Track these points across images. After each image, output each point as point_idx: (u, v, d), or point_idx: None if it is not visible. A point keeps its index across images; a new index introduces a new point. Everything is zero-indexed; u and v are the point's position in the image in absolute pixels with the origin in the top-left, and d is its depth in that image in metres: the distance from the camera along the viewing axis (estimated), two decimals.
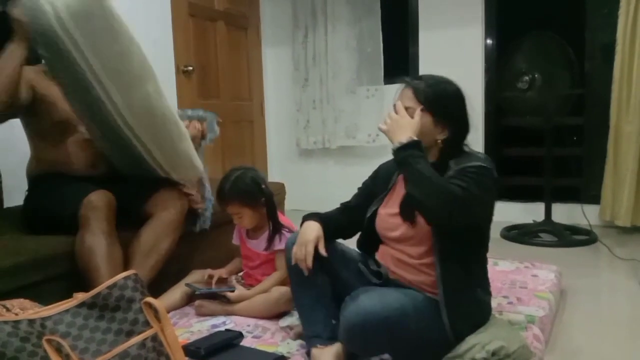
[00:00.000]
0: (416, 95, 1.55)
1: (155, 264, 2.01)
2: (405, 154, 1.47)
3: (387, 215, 1.66)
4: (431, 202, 1.42)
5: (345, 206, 1.82)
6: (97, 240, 1.83)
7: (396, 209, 1.62)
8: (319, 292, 1.66)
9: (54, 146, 2.08)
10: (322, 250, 1.58)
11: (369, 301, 1.44)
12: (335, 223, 1.71)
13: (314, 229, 1.61)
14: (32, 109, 2.03)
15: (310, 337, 1.63)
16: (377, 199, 1.73)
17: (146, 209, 2.08)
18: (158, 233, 2.04)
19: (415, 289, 1.58)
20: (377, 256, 1.73)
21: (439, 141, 1.57)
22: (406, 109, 1.54)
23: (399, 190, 1.66)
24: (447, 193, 1.41)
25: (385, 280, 1.65)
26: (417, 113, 1.53)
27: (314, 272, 1.60)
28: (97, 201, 1.86)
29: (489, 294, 1.65)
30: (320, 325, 1.62)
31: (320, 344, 1.58)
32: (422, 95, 1.54)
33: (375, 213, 1.71)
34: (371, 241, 1.74)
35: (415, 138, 1.48)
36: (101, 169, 2.17)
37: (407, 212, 1.57)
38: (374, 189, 1.77)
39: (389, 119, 1.53)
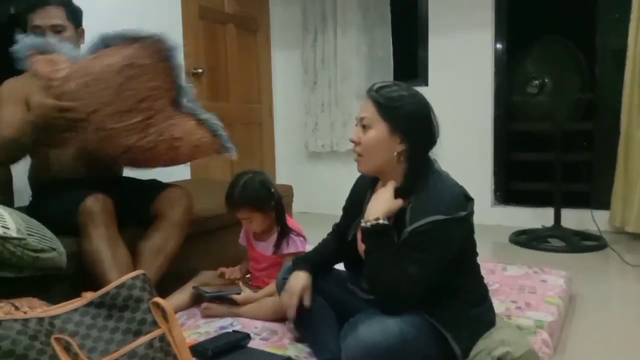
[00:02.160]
0: (373, 104, 1.49)
1: (162, 265, 2.02)
2: (370, 241, 1.47)
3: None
4: (380, 289, 1.46)
5: (335, 229, 1.82)
6: (98, 247, 1.84)
7: None
8: (319, 314, 1.66)
9: (51, 149, 2.08)
10: (307, 302, 1.62)
11: (368, 332, 1.40)
12: (327, 258, 1.76)
13: (300, 280, 1.64)
14: None
15: None
16: (354, 223, 1.67)
17: (153, 208, 2.09)
18: (165, 234, 2.05)
19: None
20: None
21: (396, 154, 1.48)
22: (362, 119, 1.50)
23: None
24: (393, 289, 1.42)
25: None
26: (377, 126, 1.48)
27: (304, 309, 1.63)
28: (93, 207, 1.86)
29: (485, 301, 1.61)
30: (332, 345, 1.60)
31: None
32: (377, 103, 1.48)
33: (355, 237, 1.66)
34: (357, 263, 1.66)
35: (383, 220, 1.45)
36: (108, 169, 2.17)
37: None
38: (352, 209, 1.72)
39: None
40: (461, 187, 1.51)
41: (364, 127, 1.50)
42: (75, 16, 2.16)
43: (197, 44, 3.71)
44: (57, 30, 2.08)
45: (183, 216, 2.10)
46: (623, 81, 3.39)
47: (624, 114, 3.40)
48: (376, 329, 1.41)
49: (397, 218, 1.49)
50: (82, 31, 2.22)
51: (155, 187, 2.15)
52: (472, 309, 1.54)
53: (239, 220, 2.07)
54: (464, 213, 1.44)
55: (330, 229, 1.86)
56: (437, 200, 1.44)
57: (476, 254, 1.61)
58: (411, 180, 1.49)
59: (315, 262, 1.72)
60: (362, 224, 1.49)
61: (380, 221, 1.45)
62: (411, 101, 1.48)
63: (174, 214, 2.08)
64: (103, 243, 1.85)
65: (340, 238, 1.75)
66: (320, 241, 1.84)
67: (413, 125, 1.48)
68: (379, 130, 1.48)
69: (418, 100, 1.50)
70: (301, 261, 1.72)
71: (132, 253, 1.96)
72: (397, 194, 1.49)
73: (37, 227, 1.67)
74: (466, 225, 1.49)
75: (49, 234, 1.70)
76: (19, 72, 2.09)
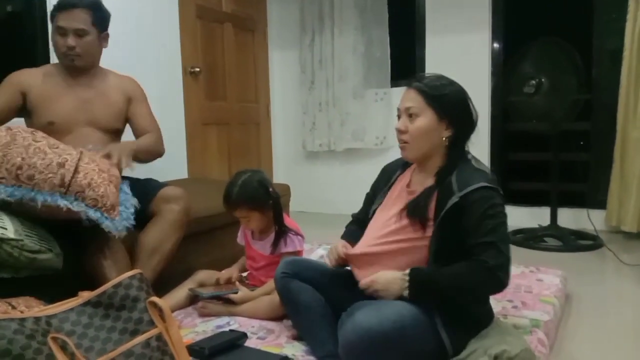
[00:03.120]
0: (419, 94, 1.55)
1: (158, 264, 2.02)
2: (420, 290, 1.47)
3: (384, 216, 1.66)
4: (473, 299, 1.52)
5: (355, 217, 1.87)
6: (99, 249, 1.84)
7: (394, 211, 1.62)
8: (317, 312, 1.67)
9: None
10: (348, 250, 1.66)
11: (365, 317, 1.42)
12: (355, 233, 1.78)
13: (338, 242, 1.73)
14: (25, 111, 2.16)
15: (322, 358, 1.61)
16: (377, 198, 1.74)
17: (151, 207, 2.09)
18: (162, 233, 2.05)
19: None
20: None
21: (445, 139, 1.56)
22: (409, 108, 1.56)
23: (399, 193, 1.67)
24: (484, 283, 1.44)
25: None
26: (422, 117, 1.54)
27: (309, 293, 1.67)
28: None
29: (487, 304, 1.64)
30: (329, 344, 1.60)
31: None
32: (424, 93, 1.55)
33: (374, 213, 1.72)
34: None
35: (405, 275, 1.48)
36: None
37: (416, 212, 1.56)
38: (377, 189, 1.78)
39: (374, 286, 1.53)
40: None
41: (411, 116, 1.56)
42: (101, 21, 2.22)
43: (195, 43, 3.71)
44: (79, 34, 2.14)
45: (180, 216, 2.10)
46: (619, 81, 3.40)
47: (620, 114, 3.41)
48: (373, 315, 1.43)
49: (441, 189, 1.52)
50: (107, 35, 2.27)
51: (153, 187, 2.15)
52: (474, 306, 1.56)
53: (237, 219, 2.07)
54: (501, 192, 1.50)
55: (327, 228, 1.87)
56: (481, 174, 1.51)
57: None
58: (453, 163, 1.55)
59: (347, 235, 1.80)
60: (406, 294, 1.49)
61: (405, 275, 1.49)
62: (453, 89, 1.58)
63: (171, 213, 2.08)
64: (103, 247, 1.85)
65: (360, 225, 1.79)
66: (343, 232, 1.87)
67: (458, 111, 1.57)
68: (428, 117, 1.55)
69: (459, 88, 1.59)
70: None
71: (128, 252, 1.96)
72: (439, 176, 1.55)
73: (34, 228, 1.67)
74: (504, 207, 1.52)
75: (45, 235, 1.70)
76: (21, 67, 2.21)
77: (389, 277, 1.51)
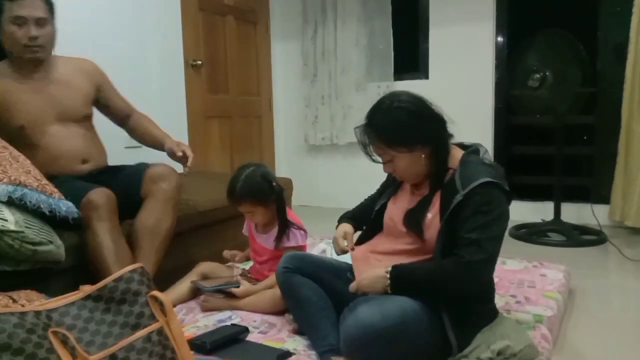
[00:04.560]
0: (380, 142, 1.54)
1: (160, 245, 2.01)
2: (401, 286, 1.48)
3: (395, 211, 1.68)
4: (449, 294, 1.48)
5: (371, 198, 1.90)
6: (102, 242, 1.83)
7: (403, 211, 1.63)
8: (318, 306, 1.66)
9: (33, 150, 2.00)
10: (350, 246, 1.73)
11: (367, 312, 1.42)
12: (368, 212, 1.80)
13: (341, 227, 1.81)
14: None
15: (324, 353, 1.59)
16: (387, 192, 1.75)
17: (142, 191, 2.06)
18: (157, 213, 2.02)
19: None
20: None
21: (428, 158, 1.54)
22: (382, 157, 1.57)
23: (407, 188, 1.67)
24: (462, 269, 1.42)
25: None
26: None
27: (310, 287, 1.67)
28: (97, 200, 1.85)
29: (491, 300, 1.63)
30: (331, 337, 1.59)
31: (335, 355, 1.55)
32: (381, 140, 1.53)
33: (384, 206, 1.73)
34: (375, 233, 1.75)
35: (387, 272, 1.49)
36: (93, 162, 2.14)
37: (412, 224, 1.59)
38: (388, 183, 1.81)
39: (361, 288, 1.54)
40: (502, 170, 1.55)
41: (390, 162, 1.56)
42: (53, 8, 2.07)
43: (197, 36, 3.69)
44: (40, 23, 1.99)
45: (171, 194, 2.05)
46: (624, 75, 3.37)
47: (624, 107, 3.39)
48: (375, 310, 1.42)
49: (445, 188, 1.51)
50: (56, 30, 2.10)
51: (138, 170, 2.11)
52: (477, 305, 1.55)
53: (239, 212, 2.06)
54: (507, 188, 1.47)
55: (330, 222, 1.87)
56: (485, 168, 1.48)
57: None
58: (443, 165, 1.54)
59: (355, 215, 1.86)
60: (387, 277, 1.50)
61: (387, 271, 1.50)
62: (399, 112, 1.51)
63: (162, 192, 2.03)
64: (107, 237, 1.83)
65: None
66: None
67: (417, 130, 1.51)
68: (402, 157, 1.53)
69: (404, 104, 1.52)
70: (344, 215, 1.88)
71: (128, 241, 1.95)
72: (431, 185, 1.56)
73: (35, 220, 1.66)
74: (506, 208, 1.49)
75: (46, 227, 1.69)
76: None
77: (372, 276, 1.52)
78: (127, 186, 2.05)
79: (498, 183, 1.45)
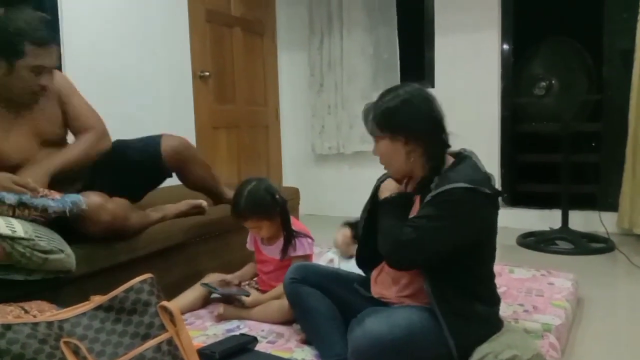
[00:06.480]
0: (373, 117, 1.57)
1: (215, 180, 2.39)
2: (382, 209, 1.59)
3: None
4: (384, 250, 1.53)
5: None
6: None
7: None
8: (326, 316, 1.68)
9: None
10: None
11: (375, 324, 1.44)
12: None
13: (340, 230, 2.14)
14: None
15: None
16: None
17: (163, 163, 2.18)
18: (200, 171, 2.31)
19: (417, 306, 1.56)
20: (374, 275, 1.75)
21: (409, 156, 1.54)
22: (372, 134, 1.59)
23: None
24: (392, 240, 1.50)
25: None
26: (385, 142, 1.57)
27: (317, 297, 1.70)
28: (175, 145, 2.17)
29: (494, 305, 1.61)
30: (338, 347, 1.60)
31: None
32: (375, 119, 1.55)
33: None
34: (369, 255, 1.73)
35: (392, 194, 1.60)
36: (81, 179, 2.06)
37: None
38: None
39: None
40: (491, 175, 1.54)
41: (377, 144, 1.59)
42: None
43: (204, 47, 3.73)
44: (51, 72, 1.89)
45: (196, 154, 2.30)
46: (631, 82, 3.37)
47: (631, 114, 3.38)
48: (383, 322, 1.44)
49: (422, 190, 1.52)
50: None
51: (150, 148, 2.17)
52: (480, 306, 1.54)
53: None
54: (488, 191, 1.46)
55: (336, 231, 1.89)
56: (463, 173, 1.47)
57: (493, 257, 1.61)
58: (434, 169, 1.53)
59: (357, 222, 1.88)
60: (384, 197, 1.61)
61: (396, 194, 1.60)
62: (397, 102, 1.53)
63: (193, 160, 2.24)
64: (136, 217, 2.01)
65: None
66: None
67: (407, 125, 1.52)
68: (384, 142, 1.56)
69: (405, 97, 1.54)
70: (346, 221, 2.18)
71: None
72: (422, 184, 1.55)
73: (43, 230, 1.68)
74: (488, 207, 1.50)
75: (56, 236, 1.71)
76: None
77: (390, 187, 1.64)
78: (143, 166, 2.12)
79: (472, 188, 1.43)
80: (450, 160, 1.57)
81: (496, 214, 1.56)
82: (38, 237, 1.61)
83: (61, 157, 1.94)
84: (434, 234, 1.44)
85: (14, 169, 1.85)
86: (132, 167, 2.12)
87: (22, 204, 1.65)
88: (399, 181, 1.63)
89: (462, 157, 1.57)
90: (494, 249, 1.61)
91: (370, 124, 1.57)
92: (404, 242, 1.46)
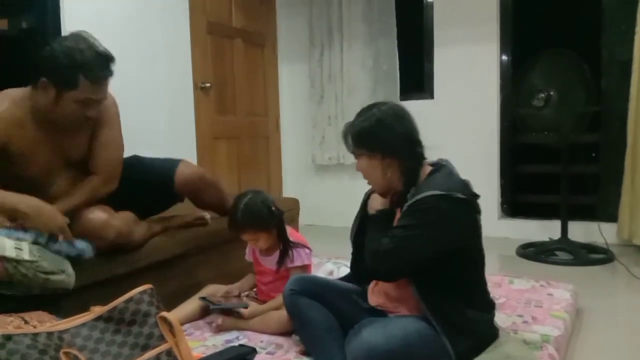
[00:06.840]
0: (351, 138, 1.65)
1: (224, 196, 2.37)
2: (371, 224, 1.64)
3: None
4: (368, 264, 1.57)
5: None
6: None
7: None
8: (325, 328, 1.68)
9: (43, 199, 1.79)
10: None
11: (371, 334, 1.45)
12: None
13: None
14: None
15: None
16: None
17: (174, 189, 2.19)
18: (214, 195, 2.34)
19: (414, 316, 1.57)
20: (371, 285, 1.77)
21: (386, 171, 1.59)
22: (353, 152, 1.66)
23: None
24: (372, 253, 1.54)
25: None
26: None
27: (317, 309, 1.70)
28: (188, 174, 2.18)
29: (485, 311, 1.62)
30: (337, 358, 1.61)
31: None
32: (352, 138, 1.64)
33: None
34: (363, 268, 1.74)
35: (379, 209, 1.63)
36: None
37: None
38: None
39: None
40: (467, 181, 1.57)
41: (357, 160, 1.66)
42: None
43: (205, 59, 3.76)
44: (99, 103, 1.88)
45: (209, 177, 2.31)
46: (629, 92, 3.39)
47: (630, 125, 3.39)
48: (379, 332, 1.45)
49: (401, 202, 1.56)
50: None
51: (161, 174, 2.18)
52: (474, 311, 1.55)
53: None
54: (461, 195, 1.48)
55: (337, 241, 1.91)
56: (436, 182, 1.52)
57: (482, 260, 1.62)
58: (410, 181, 1.56)
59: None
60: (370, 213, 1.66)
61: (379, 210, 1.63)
62: (371, 121, 1.61)
63: (204, 191, 2.27)
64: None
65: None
66: None
67: (382, 141, 1.59)
68: (363, 159, 1.63)
69: (378, 115, 1.61)
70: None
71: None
72: (400, 197, 1.58)
73: (48, 253, 1.70)
74: (465, 210, 1.52)
75: (59, 258, 1.72)
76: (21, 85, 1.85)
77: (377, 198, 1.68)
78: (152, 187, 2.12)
79: (442, 194, 1.46)
80: (427, 170, 1.60)
81: (476, 218, 1.57)
82: (41, 257, 1.63)
83: (68, 202, 1.87)
84: (410, 242, 1.48)
85: (35, 185, 1.84)
86: (144, 186, 2.10)
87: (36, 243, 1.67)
88: (383, 195, 1.65)
89: (438, 166, 1.60)
90: (480, 254, 1.62)
91: (348, 144, 1.64)
92: (382, 253, 1.50)
